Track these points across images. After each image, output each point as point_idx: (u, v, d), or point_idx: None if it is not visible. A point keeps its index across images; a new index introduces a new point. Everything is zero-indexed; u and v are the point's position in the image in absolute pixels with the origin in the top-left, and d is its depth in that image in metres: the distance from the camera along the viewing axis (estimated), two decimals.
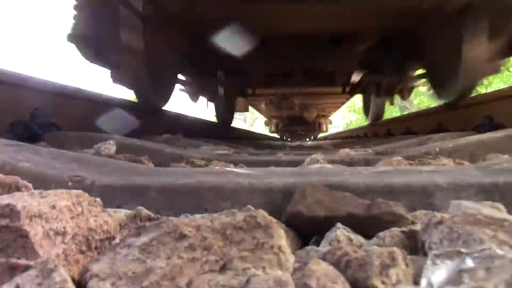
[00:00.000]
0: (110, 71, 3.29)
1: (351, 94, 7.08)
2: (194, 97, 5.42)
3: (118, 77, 3.31)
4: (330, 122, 14.75)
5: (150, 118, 3.58)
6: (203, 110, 6.77)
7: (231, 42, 3.72)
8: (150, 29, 3.23)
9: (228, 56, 3.95)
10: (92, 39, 3.02)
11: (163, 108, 3.95)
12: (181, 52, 3.99)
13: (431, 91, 3.92)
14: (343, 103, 11.36)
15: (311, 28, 3.85)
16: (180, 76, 4.61)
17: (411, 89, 5.38)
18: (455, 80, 3.27)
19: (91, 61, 3.15)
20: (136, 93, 3.53)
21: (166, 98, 3.96)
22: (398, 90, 5.35)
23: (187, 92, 5.33)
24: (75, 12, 3.01)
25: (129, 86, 3.44)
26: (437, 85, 3.75)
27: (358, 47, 4.39)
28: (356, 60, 4.85)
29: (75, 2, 3.00)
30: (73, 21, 3.01)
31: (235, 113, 7.44)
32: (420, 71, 4.57)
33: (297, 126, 12.61)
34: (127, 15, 3.01)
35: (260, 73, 5.28)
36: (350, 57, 4.63)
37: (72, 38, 2.99)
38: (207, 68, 4.87)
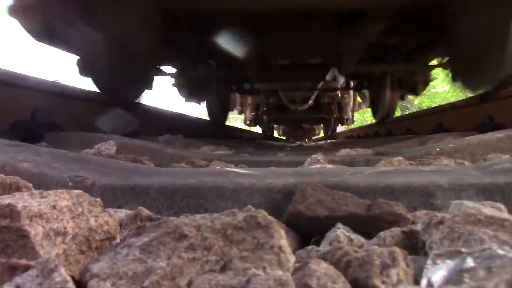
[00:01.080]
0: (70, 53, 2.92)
1: (358, 89, 6.54)
2: (184, 93, 5.08)
3: (80, 65, 2.92)
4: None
5: (150, 118, 3.59)
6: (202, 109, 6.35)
7: (223, 27, 3.22)
8: (116, 5, 2.74)
9: (219, 46, 3.39)
10: (40, 12, 2.55)
11: (135, 100, 3.51)
12: (165, 40, 3.42)
13: (458, 81, 3.32)
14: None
15: (314, 4, 3.09)
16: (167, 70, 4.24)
17: (426, 83, 4.85)
18: (494, 68, 2.76)
19: (38, 40, 2.67)
20: (96, 83, 3.07)
21: (138, 91, 3.51)
22: (412, 83, 4.77)
23: (177, 88, 4.98)
24: None
25: (91, 74, 3.00)
26: (468, 74, 3.16)
27: (368, 29, 3.42)
28: (366, 45, 3.81)
29: None
30: None
31: (230, 111, 7.08)
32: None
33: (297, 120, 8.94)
34: None
35: (257, 63, 4.08)
36: (359, 40, 3.63)
37: (15, 11, 2.53)
38: (197, 59, 4.30)
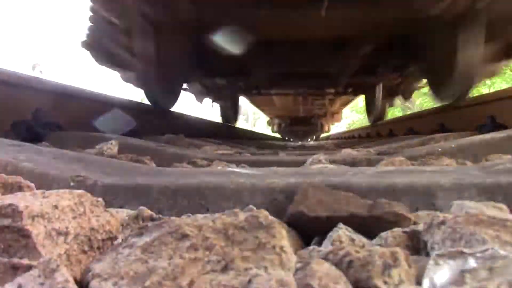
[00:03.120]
0: (120, 72, 3.87)
1: (354, 94, 7.49)
2: (199, 97, 5.94)
3: (128, 79, 3.87)
4: (333, 123, 15.02)
5: (151, 118, 3.59)
6: (209, 110, 7.51)
7: (235, 44, 3.88)
8: (161, 35, 3.52)
9: (233, 57, 4.08)
10: (105, 46, 3.51)
11: (170, 109, 4.17)
12: (188, 55, 4.13)
13: (431, 92, 4.04)
14: (347, 103, 11.45)
15: (316, 33, 4.08)
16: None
17: (412, 91, 5.77)
18: (452, 83, 3.40)
19: (103, 65, 3.63)
20: (146, 94, 3.78)
21: (174, 100, 4.20)
22: (399, 91, 5.82)
23: (192, 92, 5.78)
24: (90, 23, 3.44)
25: (140, 87, 3.83)
26: (436, 87, 3.88)
27: (361, 51, 4.41)
28: (358, 64, 4.83)
29: (90, 14, 3.40)
30: (88, 31, 3.45)
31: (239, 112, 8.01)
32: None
33: (300, 126, 13.12)
34: (141, 23, 3.34)
35: (264, 74, 5.24)
36: (352, 60, 4.71)
37: (87, 45, 3.47)
38: (212, 69, 5.05)
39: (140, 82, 3.75)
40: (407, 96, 5.83)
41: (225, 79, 5.66)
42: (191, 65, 4.38)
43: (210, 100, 6.42)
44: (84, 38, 3.45)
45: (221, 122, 7.25)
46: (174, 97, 4.18)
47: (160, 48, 3.51)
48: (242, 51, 3.97)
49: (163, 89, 3.77)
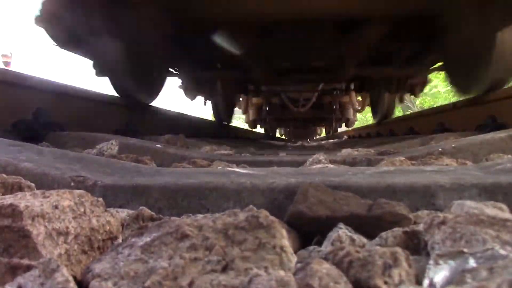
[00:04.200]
0: (90, 60, 3.08)
1: (358, 91, 6.73)
2: (190, 94, 5.34)
3: (97, 68, 3.07)
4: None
5: (152, 117, 3.59)
6: (204, 109, 6.82)
7: (228, 34, 3.45)
8: (132, 12, 2.83)
9: (226, 49, 3.55)
10: (65, 22, 2.67)
11: (150, 103, 3.62)
12: (174, 42, 3.59)
13: (451, 84, 3.61)
14: None
15: (315, 12, 3.18)
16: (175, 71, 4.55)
17: (424, 84, 5.13)
18: (484, 72, 2.94)
19: (64, 47, 2.87)
20: (114, 85, 3.16)
21: (153, 93, 3.59)
22: (410, 85, 5.04)
23: (183, 89, 5.27)
24: None
25: (109, 77, 3.10)
26: (460, 77, 3.34)
27: (369, 35, 3.52)
28: (366, 51, 3.85)
29: None
30: (43, 4, 2.62)
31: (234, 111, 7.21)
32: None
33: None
34: None
35: (262, 66, 4.25)
36: (359, 47, 3.74)
37: (41, 21, 2.64)
38: (204, 61, 4.48)
39: (108, 71, 3.03)
40: (417, 92, 5.14)
41: (217, 73, 4.93)
42: (177, 54, 3.80)
43: (203, 97, 5.75)
44: (38, 11, 2.64)
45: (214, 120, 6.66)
46: (154, 90, 3.55)
47: (130, 25, 2.83)
48: (232, 40, 3.40)
49: (138, 80, 3.12)
